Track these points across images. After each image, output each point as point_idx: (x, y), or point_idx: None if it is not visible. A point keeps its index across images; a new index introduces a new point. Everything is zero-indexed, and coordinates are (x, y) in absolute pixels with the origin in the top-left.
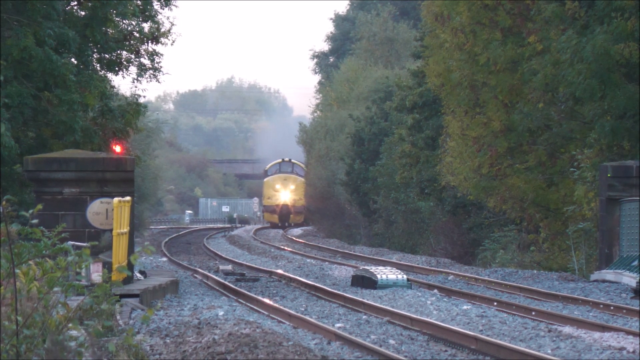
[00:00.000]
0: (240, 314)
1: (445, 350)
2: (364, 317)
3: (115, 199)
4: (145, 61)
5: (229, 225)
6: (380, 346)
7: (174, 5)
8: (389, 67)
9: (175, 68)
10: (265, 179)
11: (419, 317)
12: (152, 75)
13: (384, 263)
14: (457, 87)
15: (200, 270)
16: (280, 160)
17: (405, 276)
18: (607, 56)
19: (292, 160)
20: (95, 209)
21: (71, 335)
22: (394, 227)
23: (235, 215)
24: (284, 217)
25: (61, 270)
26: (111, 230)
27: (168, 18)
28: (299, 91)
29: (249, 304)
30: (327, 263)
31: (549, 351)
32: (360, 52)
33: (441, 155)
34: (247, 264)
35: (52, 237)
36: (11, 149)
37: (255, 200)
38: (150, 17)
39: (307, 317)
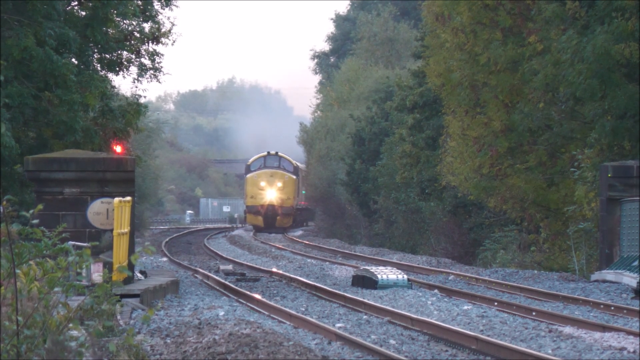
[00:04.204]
0: (241, 314)
1: (446, 351)
2: (365, 317)
3: (116, 199)
4: (146, 61)
5: (229, 226)
6: (381, 346)
7: (175, 6)
8: (390, 67)
9: (176, 68)
10: (247, 175)
11: (419, 317)
12: (152, 76)
13: (385, 263)
14: (457, 87)
15: (200, 270)
16: (265, 153)
17: (405, 276)
18: (608, 56)
19: (279, 154)
20: (96, 209)
21: (72, 336)
22: (394, 227)
23: (236, 216)
24: (269, 220)
25: (62, 271)
26: (112, 230)
27: (169, 18)
28: (299, 91)
29: (249, 304)
30: (327, 263)
31: (550, 351)
32: (361, 52)
33: (441, 155)
34: (248, 263)
35: (53, 237)
36: (12, 149)
37: None
38: (151, 17)
39: (308, 317)
